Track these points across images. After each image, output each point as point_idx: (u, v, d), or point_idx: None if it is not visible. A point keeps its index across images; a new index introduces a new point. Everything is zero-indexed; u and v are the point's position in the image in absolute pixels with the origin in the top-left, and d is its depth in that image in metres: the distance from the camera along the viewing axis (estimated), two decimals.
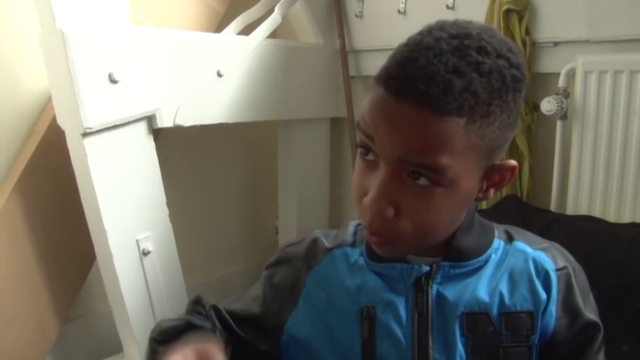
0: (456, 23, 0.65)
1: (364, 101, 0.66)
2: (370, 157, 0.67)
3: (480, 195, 0.70)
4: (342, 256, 0.81)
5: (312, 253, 0.82)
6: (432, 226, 0.66)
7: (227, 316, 0.83)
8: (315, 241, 0.84)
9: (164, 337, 0.76)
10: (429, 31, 0.64)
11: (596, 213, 1.32)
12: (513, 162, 0.69)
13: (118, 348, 1.49)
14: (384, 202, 0.64)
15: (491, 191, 0.71)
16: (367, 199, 0.65)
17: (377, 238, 0.68)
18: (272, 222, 2.13)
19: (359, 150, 0.68)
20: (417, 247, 0.72)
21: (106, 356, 1.52)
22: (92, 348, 1.59)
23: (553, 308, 0.74)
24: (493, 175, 0.69)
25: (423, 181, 0.62)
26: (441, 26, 0.64)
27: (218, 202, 1.97)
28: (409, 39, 0.65)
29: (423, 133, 0.60)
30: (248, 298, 0.86)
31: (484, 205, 1.41)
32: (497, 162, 0.68)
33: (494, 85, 0.61)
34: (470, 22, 0.66)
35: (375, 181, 0.65)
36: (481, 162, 0.65)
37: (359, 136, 0.67)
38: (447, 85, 0.59)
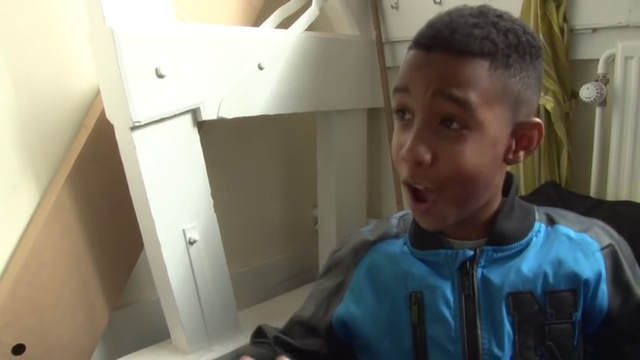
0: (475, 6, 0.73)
1: (399, 70, 0.73)
2: (407, 116, 0.72)
3: (511, 156, 0.74)
4: (386, 248, 0.83)
5: (357, 249, 0.85)
6: (467, 173, 0.69)
7: (291, 341, 0.85)
8: (359, 238, 0.87)
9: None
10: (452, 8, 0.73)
11: (638, 199, 1.31)
12: (537, 119, 0.73)
13: (165, 334, 1.53)
14: (421, 148, 0.68)
15: (521, 154, 0.75)
16: (404, 150, 0.69)
17: (423, 205, 0.72)
18: (311, 212, 2.16)
19: (396, 115, 0.74)
20: (459, 212, 0.73)
21: (154, 342, 1.55)
22: (141, 334, 1.63)
23: (604, 287, 0.76)
24: (521, 135, 0.73)
25: (454, 125, 0.68)
26: (463, 4, 0.74)
27: (258, 193, 2.00)
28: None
29: (453, 70, 0.67)
30: (302, 312, 0.89)
31: (523, 191, 1.42)
32: (523, 119, 0.72)
33: (511, 40, 0.68)
34: None
35: (411, 134, 0.69)
36: (506, 113, 0.70)
37: (396, 99, 0.73)
38: (468, 33, 0.67)
